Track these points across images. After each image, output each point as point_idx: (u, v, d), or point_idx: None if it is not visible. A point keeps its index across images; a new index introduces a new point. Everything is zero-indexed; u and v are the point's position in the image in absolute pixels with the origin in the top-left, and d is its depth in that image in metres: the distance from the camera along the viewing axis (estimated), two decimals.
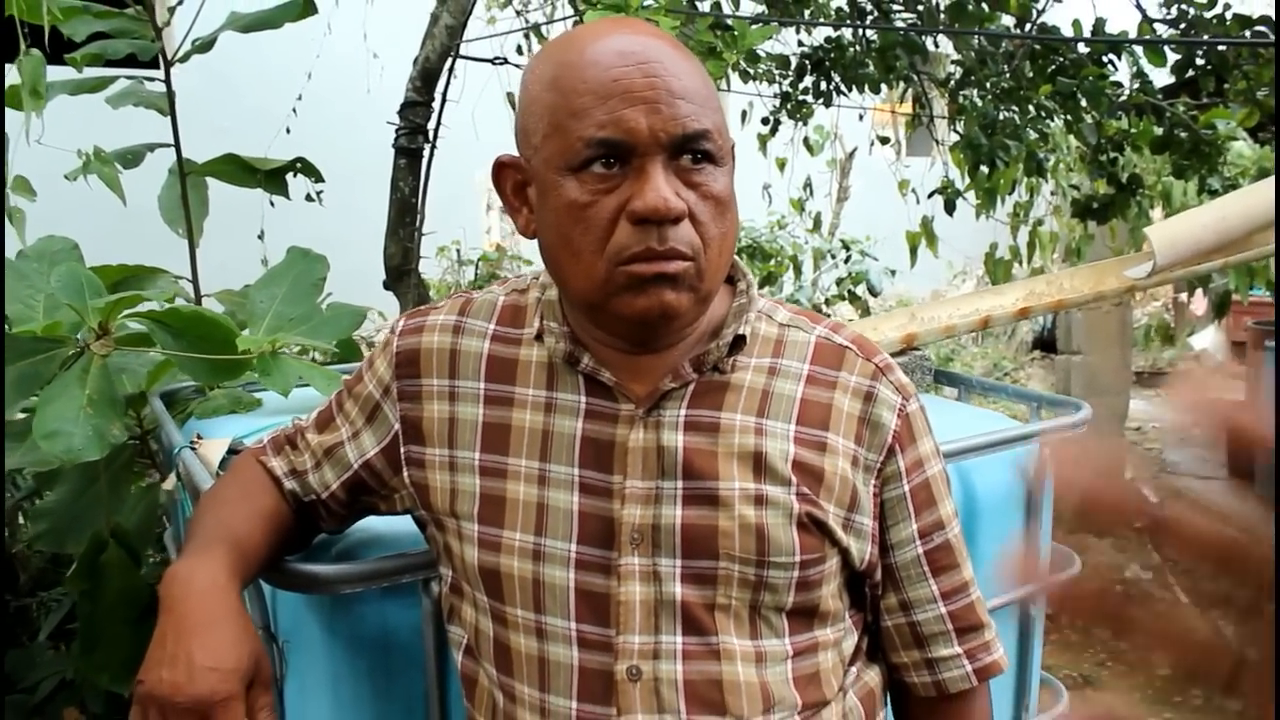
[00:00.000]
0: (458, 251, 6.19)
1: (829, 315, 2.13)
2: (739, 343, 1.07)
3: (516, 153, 1.06)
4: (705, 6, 3.63)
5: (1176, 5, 2.93)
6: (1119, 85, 3.31)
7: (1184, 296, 10.47)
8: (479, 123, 4.65)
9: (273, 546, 1.14)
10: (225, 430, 1.77)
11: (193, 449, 1.64)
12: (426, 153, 3.48)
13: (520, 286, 1.16)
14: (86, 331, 1.95)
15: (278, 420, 1.88)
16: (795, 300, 5.97)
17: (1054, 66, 3.17)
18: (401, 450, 1.12)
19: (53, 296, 2.25)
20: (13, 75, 2.30)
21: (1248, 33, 2.77)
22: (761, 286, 6.42)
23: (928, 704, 1.15)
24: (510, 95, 4.84)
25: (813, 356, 1.09)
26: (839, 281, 6.26)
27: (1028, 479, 1.77)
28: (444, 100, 3.48)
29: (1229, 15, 2.81)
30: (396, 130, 3.44)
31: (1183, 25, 2.89)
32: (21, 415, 2.21)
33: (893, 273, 6.28)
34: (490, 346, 1.11)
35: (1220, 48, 2.86)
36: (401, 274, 3.51)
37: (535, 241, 1.06)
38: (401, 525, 1.25)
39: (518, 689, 1.04)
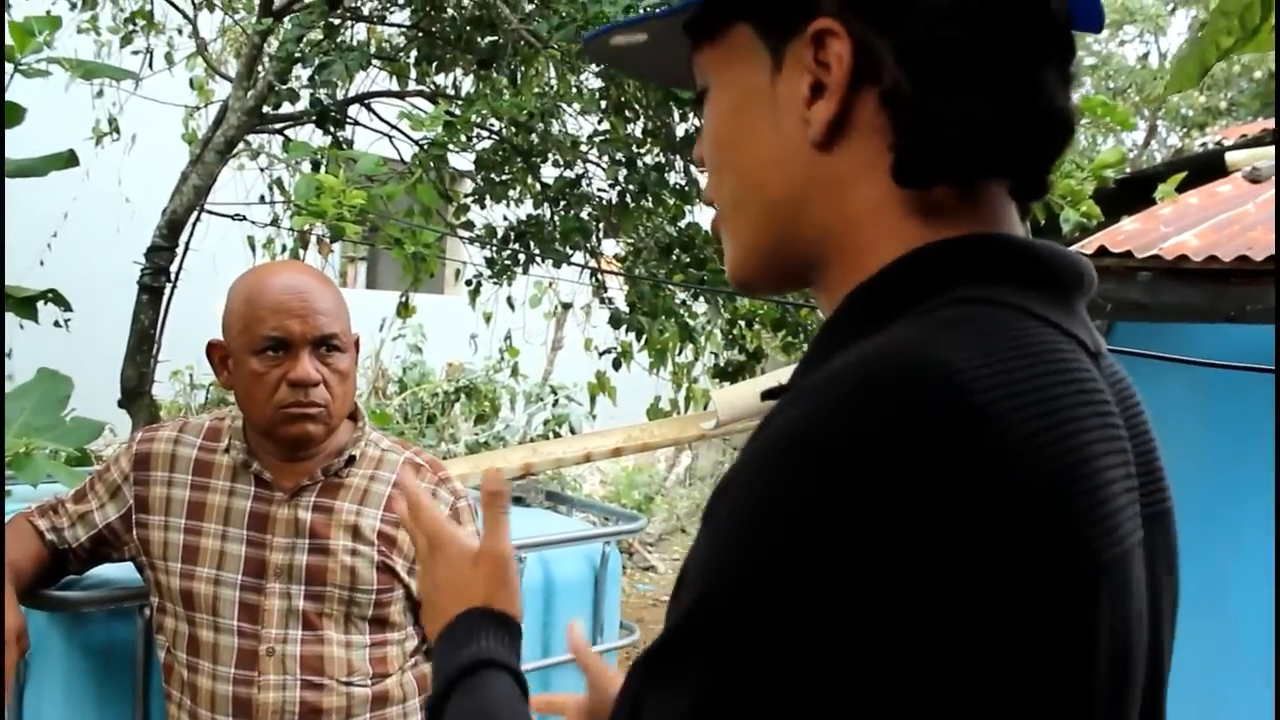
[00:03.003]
0: (190, 376, 6.62)
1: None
2: (352, 459, 1.73)
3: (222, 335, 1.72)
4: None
5: None
6: None
7: None
8: (220, 262, 5.21)
9: (35, 577, 1.70)
10: None
11: None
12: (167, 291, 4.02)
13: (220, 416, 1.79)
14: None
15: (22, 505, 2.39)
16: (502, 438, 6.67)
17: (690, 260, 4.06)
18: (134, 517, 1.71)
19: None
20: None
21: None
22: (477, 423, 7.09)
23: None
24: (251, 239, 5.44)
25: (399, 469, 1.76)
26: (545, 422, 7.02)
27: (595, 568, 2.49)
28: (186, 248, 4.06)
29: None
30: (142, 270, 3.97)
31: None
32: None
33: (594, 416, 7.07)
34: (198, 453, 1.73)
35: None
36: (136, 395, 3.99)
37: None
38: (121, 574, 1.83)
39: (200, 664, 1.63)
